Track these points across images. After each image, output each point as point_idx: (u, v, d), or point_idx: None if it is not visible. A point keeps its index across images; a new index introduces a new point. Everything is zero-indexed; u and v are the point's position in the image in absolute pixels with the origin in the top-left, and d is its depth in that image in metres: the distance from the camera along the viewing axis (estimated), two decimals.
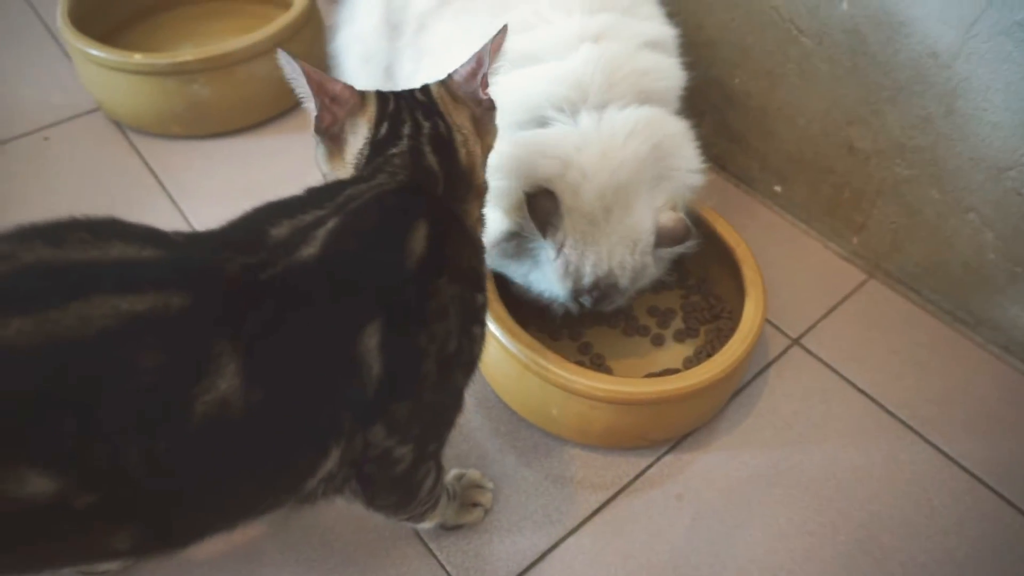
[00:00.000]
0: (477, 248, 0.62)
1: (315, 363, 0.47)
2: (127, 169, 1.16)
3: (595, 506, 0.81)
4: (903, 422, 0.91)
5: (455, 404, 0.61)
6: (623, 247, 0.78)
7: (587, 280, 0.78)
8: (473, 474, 0.80)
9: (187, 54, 1.14)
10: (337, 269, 0.49)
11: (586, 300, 0.81)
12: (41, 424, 0.39)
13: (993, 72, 0.84)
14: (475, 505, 0.78)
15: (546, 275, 0.80)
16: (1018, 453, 0.88)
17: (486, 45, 0.61)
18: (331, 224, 0.50)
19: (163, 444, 0.41)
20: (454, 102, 0.63)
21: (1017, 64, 0.82)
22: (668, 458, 0.86)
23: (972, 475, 0.86)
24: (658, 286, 1.00)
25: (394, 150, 0.58)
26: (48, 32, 1.39)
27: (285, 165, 1.18)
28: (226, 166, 1.18)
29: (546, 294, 0.83)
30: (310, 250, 0.48)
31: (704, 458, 0.86)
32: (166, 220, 1.08)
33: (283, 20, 1.20)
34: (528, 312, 0.96)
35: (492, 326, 0.81)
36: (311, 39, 1.27)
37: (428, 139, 0.60)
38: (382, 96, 0.62)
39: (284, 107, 1.27)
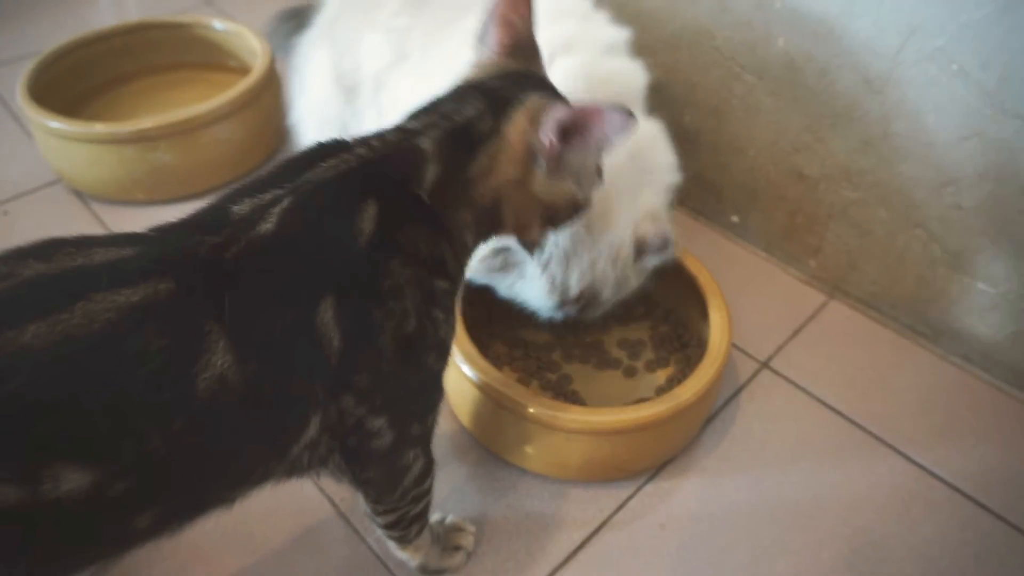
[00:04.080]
0: (448, 242, 0.58)
1: (285, 335, 0.49)
2: None
3: (579, 542, 0.80)
4: (876, 436, 0.92)
5: (431, 386, 0.61)
6: (605, 260, 0.80)
7: (572, 293, 0.81)
8: (454, 517, 0.79)
9: (148, 121, 1.15)
10: (290, 246, 0.51)
11: (571, 311, 0.84)
12: (70, 419, 0.41)
13: (922, 95, 0.89)
14: (457, 548, 0.77)
15: (532, 288, 0.83)
16: (990, 460, 0.90)
17: (606, 114, 0.55)
18: (286, 203, 0.51)
19: (178, 423, 0.44)
20: (529, 121, 0.58)
21: (942, 87, 0.87)
22: (648, 488, 0.85)
23: (948, 484, 0.87)
24: (627, 318, 1.02)
25: (414, 124, 0.58)
26: (4, 107, 1.40)
27: None
28: None
29: (532, 304, 0.86)
30: (267, 226, 0.50)
31: (684, 485, 0.86)
32: None
33: (243, 85, 1.22)
34: (501, 353, 0.97)
35: (463, 366, 0.81)
36: (271, 104, 1.29)
37: (449, 129, 0.57)
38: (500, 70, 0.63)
39: (247, 168, 1.28)
